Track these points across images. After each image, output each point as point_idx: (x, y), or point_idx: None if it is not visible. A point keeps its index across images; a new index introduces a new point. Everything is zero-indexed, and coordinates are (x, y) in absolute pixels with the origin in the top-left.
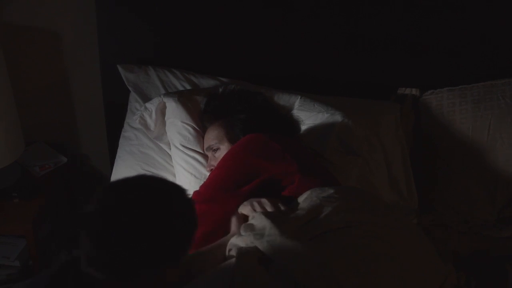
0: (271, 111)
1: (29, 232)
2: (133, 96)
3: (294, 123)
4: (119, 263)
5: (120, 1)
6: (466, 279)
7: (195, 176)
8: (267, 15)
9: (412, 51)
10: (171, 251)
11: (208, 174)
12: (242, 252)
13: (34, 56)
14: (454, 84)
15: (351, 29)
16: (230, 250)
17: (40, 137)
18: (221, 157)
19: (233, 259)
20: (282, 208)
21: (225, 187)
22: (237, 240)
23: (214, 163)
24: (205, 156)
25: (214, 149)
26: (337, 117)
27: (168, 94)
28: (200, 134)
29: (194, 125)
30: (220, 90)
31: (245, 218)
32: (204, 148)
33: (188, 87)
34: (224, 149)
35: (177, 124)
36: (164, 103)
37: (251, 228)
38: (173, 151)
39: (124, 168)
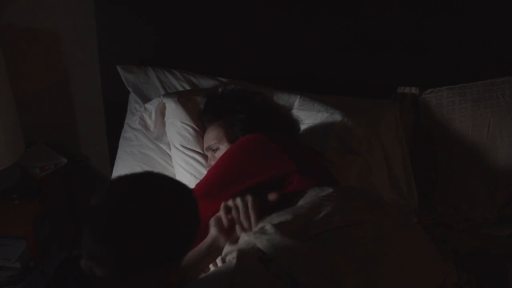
0: (270, 111)
1: (30, 233)
2: (132, 96)
3: (294, 123)
4: (120, 260)
5: (120, 1)
6: (466, 278)
7: (195, 176)
8: (267, 15)
9: (412, 50)
10: (174, 251)
11: None
12: (242, 252)
13: (34, 56)
14: (454, 83)
15: (351, 29)
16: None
17: (40, 138)
18: None
19: (233, 260)
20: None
21: (220, 184)
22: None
23: (214, 163)
24: (205, 156)
25: (214, 149)
26: (337, 117)
27: (167, 94)
28: (200, 134)
29: (194, 126)
30: (220, 90)
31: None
32: (204, 148)
33: (188, 88)
34: (223, 149)
35: (177, 124)
36: (164, 103)
37: None
38: (173, 152)
39: (124, 169)
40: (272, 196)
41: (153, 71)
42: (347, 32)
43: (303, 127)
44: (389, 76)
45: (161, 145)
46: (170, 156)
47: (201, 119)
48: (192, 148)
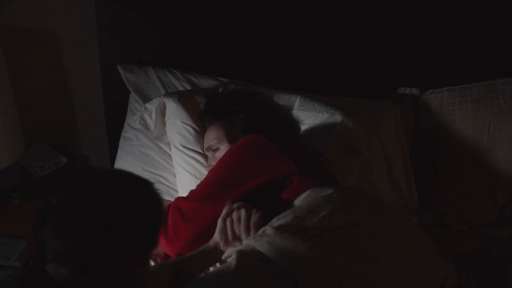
0: (270, 111)
1: (30, 232)
2: (133, 96)
3: (294, 123)
4: (82, 256)
5: (120, 1)
6: (466, 278)
7: (195, 176)
8: (267, 15)
9: (413, 51)
10: (136, 246)
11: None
12: (242, 253)
13: (34, 56)
14: (454, 84)
15: (351, 29)
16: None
17: (40, 137)
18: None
19: (233, 261)
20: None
21: (221, 186)
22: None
23: (214, 163)
24: (205, 156)
25: (214, 149)
26: (337, 117)
27: (168, 94)
28: (200, 134)
29: (194, 125)
30: (220, 90)
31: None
32: (204, 148)
33: (188, 87)
34: (223, 149)
35: (177, 124)
36: (164, 103)
37: None
38: (173, 152)
39: (124, 169)
40: (255, 217)
41: (154, 70)
42: (347, 32)
43: (303, 127)
44: (390, 76)
45: (161, 144)
46: (170, 156)
47: (202, 119)
48: (193, 148)
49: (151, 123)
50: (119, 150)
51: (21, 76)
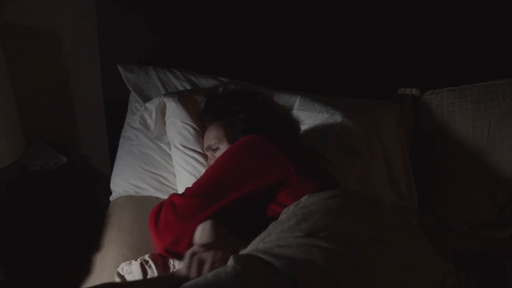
0: (271, 111)
1: None
2: (133, 96)
3: (294, 123)
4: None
5: (120, 1)
6: (466, 279)
7: (195, 176)
8: (267, 15)
9: (412, 51)
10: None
11: None
12: (240, 255)
13: (34, 55)
14: (454, 84)
15: (351, 29)
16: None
17: (40, 137)
18: None
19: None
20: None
21: (217, 186)
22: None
23: (213, 162)
24: (205, 156)
25: (214, 149)
26: (337, 117)
27: (168, 94)
28: (200, 134)
29: (194, 125)
30: (220, 90)
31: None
32: (204, 148)
33: (188, 87)
34: (223, 148)
35: (177, 124)
36: (164, 103)
37: None
38: (173, 151)
39: (124, 168)
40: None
41: (154, 70)
42: (347, 32)
43: (303, 127)
44: (390, 77)
45: (161, 144)
46: (170, 156)
47: (202, 118)
48: (192, 148)
49: (151, 122)
50: (119, 150)
51: (21, 75)
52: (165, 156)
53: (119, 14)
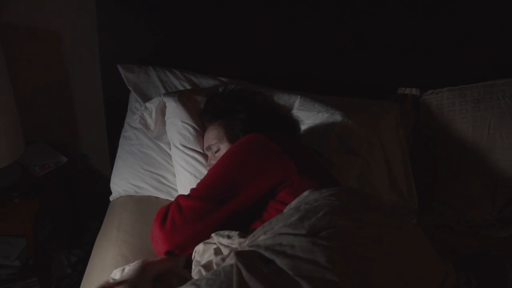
0: (271, 111)
1: (29, 232)
2: (133, 96)
3: (294, 123)
4: None
5: (120, 1)
6: (466, 279)
7: (195, 176)
8: (267, 15)
9: (413, 51)
10: None
11: None
12: (241, 251)
13: (34, 55)
14: (454, 84)
15: (351, 29)
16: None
17: (40, 137)
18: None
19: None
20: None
21: (221, 188)
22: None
23: (214, 162)
24: (205, 156)
25: (214, 149)
26: (337, 117)
27: (168, 93)
28: (200, 133)
29: (194, 125)
30: (220, 90)
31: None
32: (204, 147)
33: (188, 87)
34: (224, 148)
35: (177, 123)
36: (164, 102)
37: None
38: (173, 151)
39: (124, 168)
40: None
41: (154, 70)
42: (347, 32)
43: (303, 127)
44: (390, 77)
45: (161, 144)
46: (170, 156)
47: (202, 118)
48: (192, 148)
49: (151, 122)
50: (119, 150)
51: (21, 75)
52: (165, 156)
53: (119, 14)
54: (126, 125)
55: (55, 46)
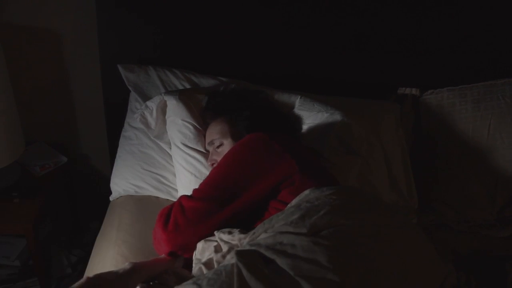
0: (273, 110)
1: (29, 231)
2: (133, 95)
3: (296, 122)
4: None
5: (120, 1)
6: (466, 279)
7: (195, 175)
8: (267, 15)
9: (413, 51)
10: None
11: (208, 171)
12: (242, 250)
13: (35, 55)
14: (454, 84)
15: (351, 29)
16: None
17: (40, 137)
18: (224, 153)
19: (232, 259)
20: None
21: (224, 189)
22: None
23: (216, 157)
24: (206, 155)
25: (217, 144)
26: (337, 117)
27: (169, 92)
28: (201, 132)
29: (195, 123)
30: (221, 88)
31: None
32: (206, 142)
33: (189, 87)
34: (227, 144)
35: (178, 122)
36: (165, 101)
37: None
38: (173, 150)
39: (124, 168)
40: None
41: (154, 70)
42: (347, 32)
43: (303, 127)
44: (390, 77)
45: (161, 143)
46: (170, 155)
47: (203, 115)
48: (193, 147)
49: (151, 121)
50: (119, 149)
51: (21, 75)
52: (165, 156)
53: (119, 14)
54: (126, 125)
55: (55, 46)
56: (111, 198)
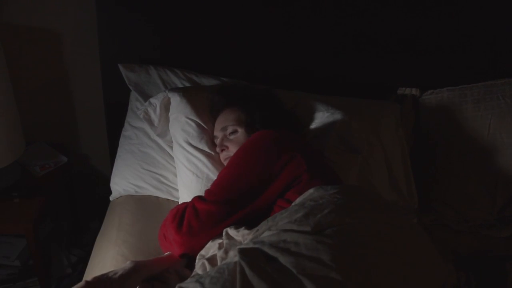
0: (281, 107)
1: (30, 231)
2: (133, 95)
3: (299, 120)
4: None
5: (120, 1)
6: (466, 279)
7: (197, 175)
8: (268, 15)
9: (413, 51)
10: None
11: (209, 171)
12: (245, 248)
13: (35, 55)
14: (454, 84)
15: (351, 29)
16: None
17: (41, 137)
18: (236, 140)
19: (235, 257)
20: None
21: (239, 190)
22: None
23: (228, 144)
24: (208, 155)
25: (230, 130)
26: (337, 116)
27: (173, 89)
28: (204, 130)
29: (199, 121)
30: (230, 84)
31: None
32: (219, 128)
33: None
34: (241, 132)
35: (181, 120)
36: (169, 98)
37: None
38: (175, 149)
39: (124, 167)
40: None
41: (155, 69)
42: (347, 32)
43: (303, 126)
44: (390, 77)
45: (163, 143)
46: (170, 155)
47: (215, 100)
48: (195, 146)
49: (155, 118)
50: (119, 149)
51: (21, 75)
52: (165, 155)
53: (119, 14)
54: (126, 125)
55: (55, 46)
56: (111, 198)
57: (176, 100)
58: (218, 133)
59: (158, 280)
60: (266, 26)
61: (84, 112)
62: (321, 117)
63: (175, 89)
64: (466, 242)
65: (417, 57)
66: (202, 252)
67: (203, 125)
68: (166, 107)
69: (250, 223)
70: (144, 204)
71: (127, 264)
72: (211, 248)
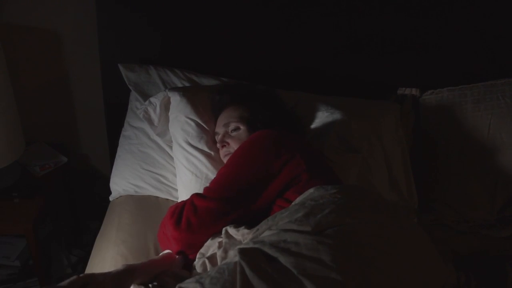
0: (282, 108)
1: (29, 232)
2: (133, 95)
3: (299, 120)
4: None
5: (121, 0)
6: (466, 279)
7: (196, 175)
8: (268, 15)
9: (413, 51)
10: None
11: (209, 171)
12: (245, 248)
13: (34, 55)
14: (454, 84)
15: (352, 29)
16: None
17: (40, 137)
18: (237, 137)
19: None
20: None
21: (239, 188)
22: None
23: (230, 140)
24: (207, 155)
25: (232, 127)
26: (337, 116)
27: (173, 88)
28: (204, 130)
29: (198, 120)
30: (231, 84)
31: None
32: (221, 124)
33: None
34: (243, 130)
35: (181, 119)
36: (169, 98)
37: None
38: (175, 149)
39: (123, 167)
40: None
41: (155, 69)
42: (348, 32)
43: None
44: (390, 77)
45: (162, 141)
46: (169, 155)
47: (217, 98)
48: (195, 145)
49: (154, 117)
50: (118, 149)
51: (21, 75)
52: (165, 155)
53: (120, 14)
54: (126, 125)
55: (55, 46)
56: (110, 198)
57: (176, 100)
58: (219, 130)
59: (156, 283)
60: (266, 26)
61: (84, 112)
62: (321, 117)
63: (175, 89)
64: (466, 242)
65: (417, 57)
66: (202, 250)
67: (203, 125)
68: (166, 106)
69: (249, 222)
70: (143, 204)
71: (120, 267)
72: (211, 246)
